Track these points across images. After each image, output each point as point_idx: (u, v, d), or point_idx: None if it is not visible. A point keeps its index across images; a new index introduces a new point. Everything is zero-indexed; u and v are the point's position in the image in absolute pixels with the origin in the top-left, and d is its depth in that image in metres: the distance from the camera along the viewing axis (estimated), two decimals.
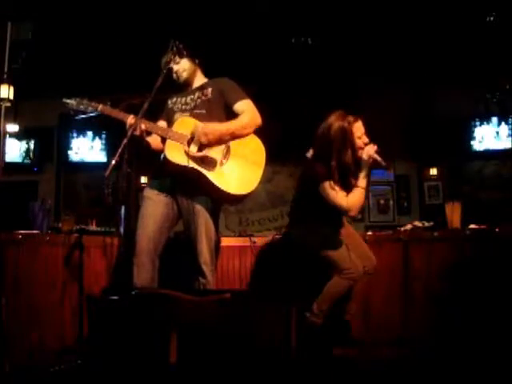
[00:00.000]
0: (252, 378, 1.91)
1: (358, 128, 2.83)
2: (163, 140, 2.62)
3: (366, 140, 2.84)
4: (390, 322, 3.14)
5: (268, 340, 1.97)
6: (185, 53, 2.73)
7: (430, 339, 2.96)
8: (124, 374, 1.89)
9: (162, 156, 2.60)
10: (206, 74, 2.86)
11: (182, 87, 2.82)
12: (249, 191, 2.64)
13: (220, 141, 2.59)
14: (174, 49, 2.59)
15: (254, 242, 3.41)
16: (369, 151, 2.78)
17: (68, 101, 2.57)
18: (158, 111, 2.83)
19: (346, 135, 2.77)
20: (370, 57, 5.19)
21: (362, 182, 2.77)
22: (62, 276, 3.02)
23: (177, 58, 2.69)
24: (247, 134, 2.65)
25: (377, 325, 3.15)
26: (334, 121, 2.79)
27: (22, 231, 3.08)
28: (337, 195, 2.74)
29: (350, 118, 2.81)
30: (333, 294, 2.77)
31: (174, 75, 2.74)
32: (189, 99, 2.75)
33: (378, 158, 2.78)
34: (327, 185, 2.75)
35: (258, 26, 4.79)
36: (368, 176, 2.79)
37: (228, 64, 2.93)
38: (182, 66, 2.75)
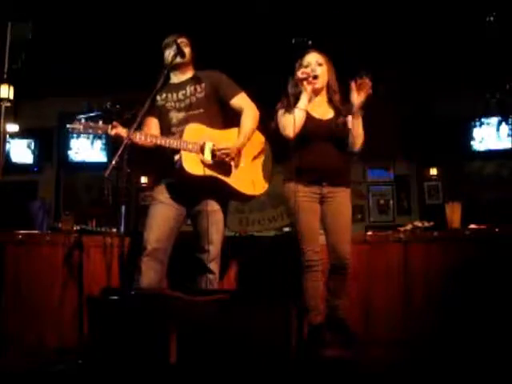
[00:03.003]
0: (252, 378, 1.91)
1: (305, 59, 2.79)
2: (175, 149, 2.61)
3: (314, 68, 2.75)
4: (389, 322, 3.14)
5: (268, 340, 1.97)
6: (189, 42, 2.73)
7: (430, 339, 2.96)
8: (124, 374, 1.89)
9: (177, 166, 2.57)
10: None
11: (169, 76, 2.76)
12: (265, 188, 2.75)
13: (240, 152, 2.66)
14: (175, 49, 2.58)
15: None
16: (297, 73, 2.72)
17: (73, 126, 2.49)
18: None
19: (295, 69, 2.77)
20: (370, 57, 5.18)
21: (299, 103, 2.69)
22: (61, 276, 3.02)
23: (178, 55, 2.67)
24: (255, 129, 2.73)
25: (377, 325, 3.15)
26: None
27: (21, 231, 3.08)
28: (281, 117, 2.73)
29: (304, 52, 2.81)
30: (304, 287, 2.69)
31: (168, 54, 2.67)
32: (181, 95, 2.70)
33: (300, 76, 2.69)
34: (279, 112, 2.76)
35: (257, 27, 4.79)
36: (306, 97, 2.69)
37: (228, 64, 2.92)
38: (186, 51, 2.70)
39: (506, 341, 2.77)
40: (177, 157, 2.57)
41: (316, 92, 2.77)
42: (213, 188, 2.60)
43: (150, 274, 2.54)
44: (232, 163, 2.62)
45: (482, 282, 3.05)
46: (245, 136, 2.66)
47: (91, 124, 2.50)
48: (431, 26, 4.90)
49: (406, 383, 2.32)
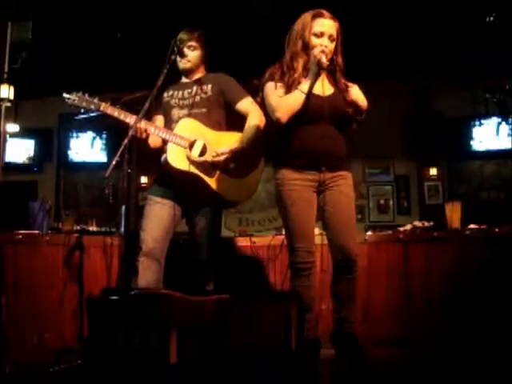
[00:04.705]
0: (252, 378, 1.91)
1: (320, 24, 2.33)
2: (164, 140, 2.61)
3: (326, 44, 2.33)
4: (389, 321, 3.14)
5: (268, 340, 1.97)
6: (200, 44, 2.71)
7: (429, 339, 2.96)
8: (124, 373, 1.89)
9: (162, 158, 2.58)
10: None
11: (179, 77, 2.79)
12: (247, 198, 2.69)
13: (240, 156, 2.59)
14: (175, 49, 2.58)
15: (254, 242, 3.41)
16: (314, 51, 2.29)
17: (68, 96, 2.50)
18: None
19: (300, 28, 2.35)
20: (370, 57, 5.18)
21: (302, 85, 2.29)
22: (62, 276, 3.02)
23: (186, 49, 2.66)
24: (259, 137, 2.64)
25: (376, 325, 3.14)
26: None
27: (21, 231, 3.08)
28: (272, 94, 2.33)
29: (316, 12, 2.35)
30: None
31: (180, 58, 2.65)
32: (186, 93, 2.72)
33: (322, 59, 2.25)
34: (269, 85, 2.36)
35: (258, 29, 4.80)
36: (314, 80, 2.29)
37: (228, 63, 2.92)
38: (192, 56, 2.71)
39: (506, 340, 2.77)
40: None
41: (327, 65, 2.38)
42: (194, 186, 2.58)
43: (147, 273, 2.55)
44: (219, 165, 2.57)
45: (481, 281, 3.05)
46: (245, 142, 2.59)
47: (86, 98, 2.50)
48: (431, 25, 4.89)
49: (405, 383, 2.32)
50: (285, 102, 2.30)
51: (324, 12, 2.36)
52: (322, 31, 2.33)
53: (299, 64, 2.36)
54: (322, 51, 2.28)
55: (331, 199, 2.36)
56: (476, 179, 6.46)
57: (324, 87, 2.39)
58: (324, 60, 2.25)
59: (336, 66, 2.39)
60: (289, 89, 2.33)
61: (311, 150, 2.34)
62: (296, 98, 2.28)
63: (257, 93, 2.51)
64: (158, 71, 2.48)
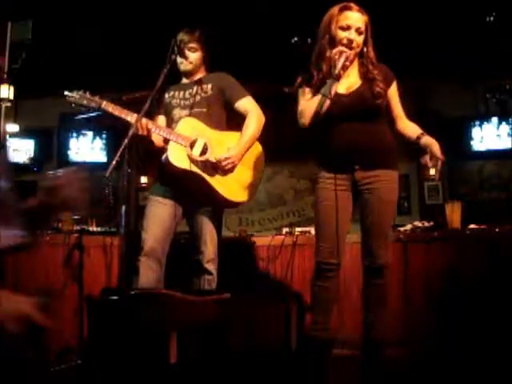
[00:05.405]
0: (252, 378, 1.91)
1: (346, 17, 2.24)
2: (165, 139, 2.61)
3: (354, 37, 2.25)
4: (389, 322, 3.13)
5: (268, 340, 1.97)
6: (201, 45, 2.72)
7: (429, 339, 2.96)
8: (124, 373, 1.89)
9: (163, 157, 2.58)
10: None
11: (180, 77, 2.80)
12: (249, 198, 2.67)
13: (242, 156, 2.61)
14: (176, 49, 2.58)
15: (254, 242, 3.42)
16: (333, 51, 2.22)
17: (70, 94, 2.51)
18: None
19: (326, 23, 2.27)
20: None
21: (324, 88, 2.16)
22: (62, 276, 3.02)
23: (187, 51, 2.67)
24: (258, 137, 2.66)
25: None
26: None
27: None
28: (301, 99, 2.32)
29: (343, 5, 2.26)
30: (312, 295, 2.25)
31: (181, 59, 2.67)
32: (187, 94, 2.73)
33: (338, 64, 2.17)
34: (299, 92, 2.33)
35: (257, 26, 4.79)
36: (333, 82, 2.16)
37: (228, 62, 2.92)
38: (193, 57, 2.71)
39: (506, 341, 2.77)
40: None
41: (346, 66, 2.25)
42: (195, 186, 2.58)
43: (148, 273, 2.55)
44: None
45: (481, 281, 3.05)
46: (245, 143, 2.60)
47: (88, 96, 2.52)
48: (431, 25, 4.89)
49: (405, 383, 2.32)
50: (308, 106, 2.25)
51: (352, 5, 2.27)
52: (348, 24, 2.24)
53: (324, 62, 2.28)
54: (340, 52, 2.20)
55: (364, 203, 2.29)
56: (476, 179, 6.46)
57: (352, 82, 2.32)
58: (340, 63, 2.17)
59: (367, 58, 2.33)
60: (316, 89, 2.26)
61: (337, 150, 2.25)
62: (316, 101, 2.20)
63: (287, 101, 2.51)
64: (158, 71, 2.48)
